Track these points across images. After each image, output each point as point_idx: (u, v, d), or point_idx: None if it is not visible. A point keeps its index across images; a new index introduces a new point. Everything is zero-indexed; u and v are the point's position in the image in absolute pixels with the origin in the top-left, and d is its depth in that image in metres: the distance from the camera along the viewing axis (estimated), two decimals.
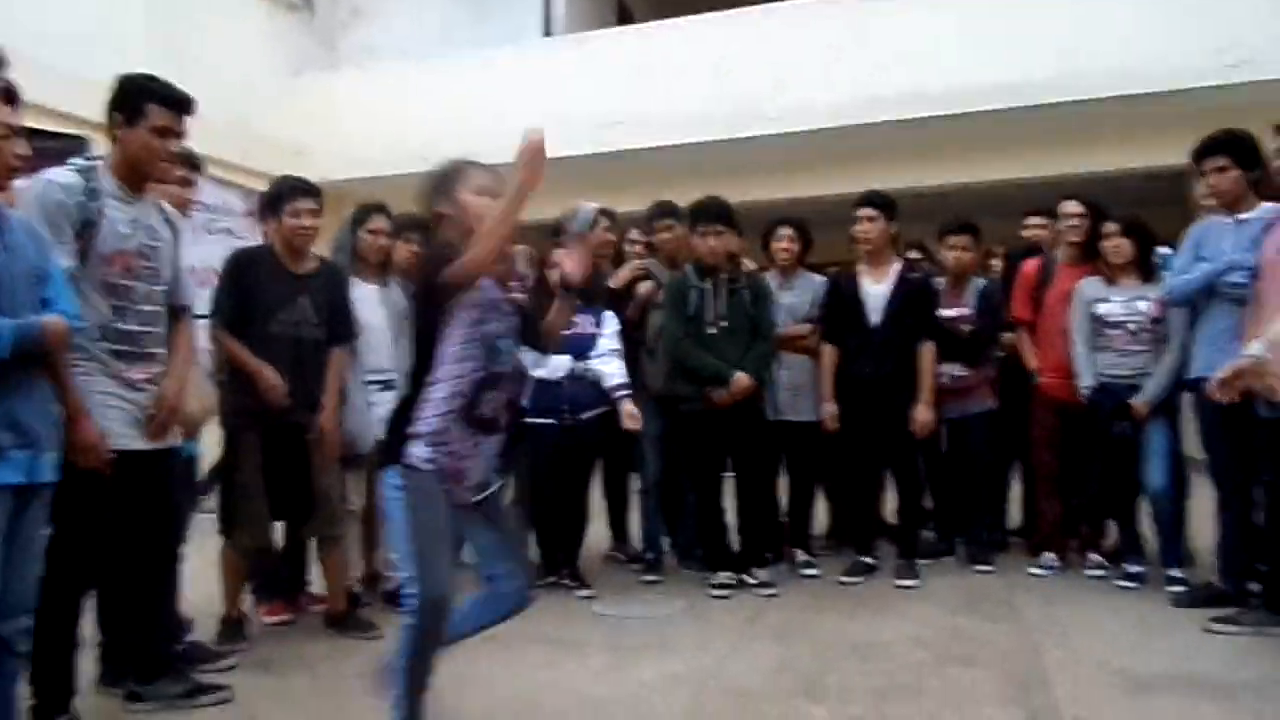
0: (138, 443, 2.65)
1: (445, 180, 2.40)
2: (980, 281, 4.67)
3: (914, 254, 5.56)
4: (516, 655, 3.32)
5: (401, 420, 2.32)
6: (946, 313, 4.52)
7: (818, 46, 7.30)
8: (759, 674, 3.10)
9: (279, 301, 3.42)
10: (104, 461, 2.49)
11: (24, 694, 2.44)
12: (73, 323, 2.33)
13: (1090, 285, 4.19)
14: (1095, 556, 4.30)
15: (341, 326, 3.58)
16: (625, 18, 10.05)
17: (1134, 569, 4.09)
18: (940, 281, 4.65)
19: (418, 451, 2.27)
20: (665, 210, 4.60)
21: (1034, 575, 4.29)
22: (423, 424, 2.28)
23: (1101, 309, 4.12)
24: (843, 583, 4.20)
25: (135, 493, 2.69)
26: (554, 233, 4.35)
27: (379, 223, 3.86)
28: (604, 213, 4.44)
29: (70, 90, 5.40)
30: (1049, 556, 4.35)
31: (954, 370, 4.48)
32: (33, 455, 2.19)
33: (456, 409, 2.29)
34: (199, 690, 2.87)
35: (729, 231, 4.14)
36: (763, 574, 4.13)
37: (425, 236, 3.96)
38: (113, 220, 2.61)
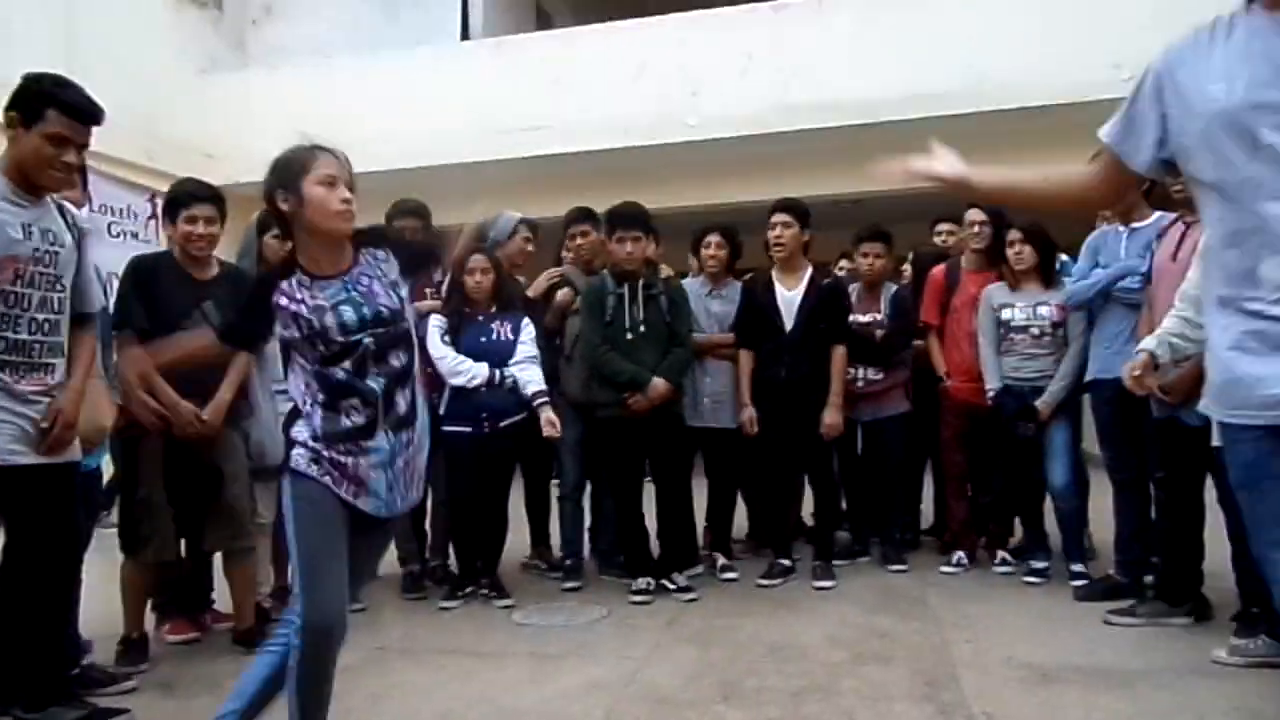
0: (28, 457, 2.53)
1: (289, 168, 2.17)
2: (893, 287, 4.79)
3: (844, 263, 5.67)
4: (434, 668, 3.27)
5: (289, 423, 2.24)
6: (860, 318, 4.63)
7: (733, 54, 7.42)
8: (678, 679, 3.10)
9: (182, 309, 3.30)
10: None
11: None
12: None
13: (996, 291, 4.33)
14: (1002, 554, 4.44)
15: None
16: (544, 22, 10.03)
17: (1039, 565, 4.24)
18: (854, 287, 4.75)
19: (299, 455, 2.16)
20: (582, 215, 4.59)
21: (945, 573, 4.41)
22: (298, 434, 2.18)
23: (1006, 314, 4.26)
24: (761, 585, 4.25)
25: (28, 509, 2.57)
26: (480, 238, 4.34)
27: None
28: (525, 222, 4.42)
29: None
30: (959, 555, 4.48)
31: (868, 374, 4.58)
32: None
33: (319, 410, 2.15)
34: (96, 715, 2.75)
35: (646, 237, 4.16)
36: (682, 579, 4.16)
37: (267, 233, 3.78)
38: (4, 224, 2.50)
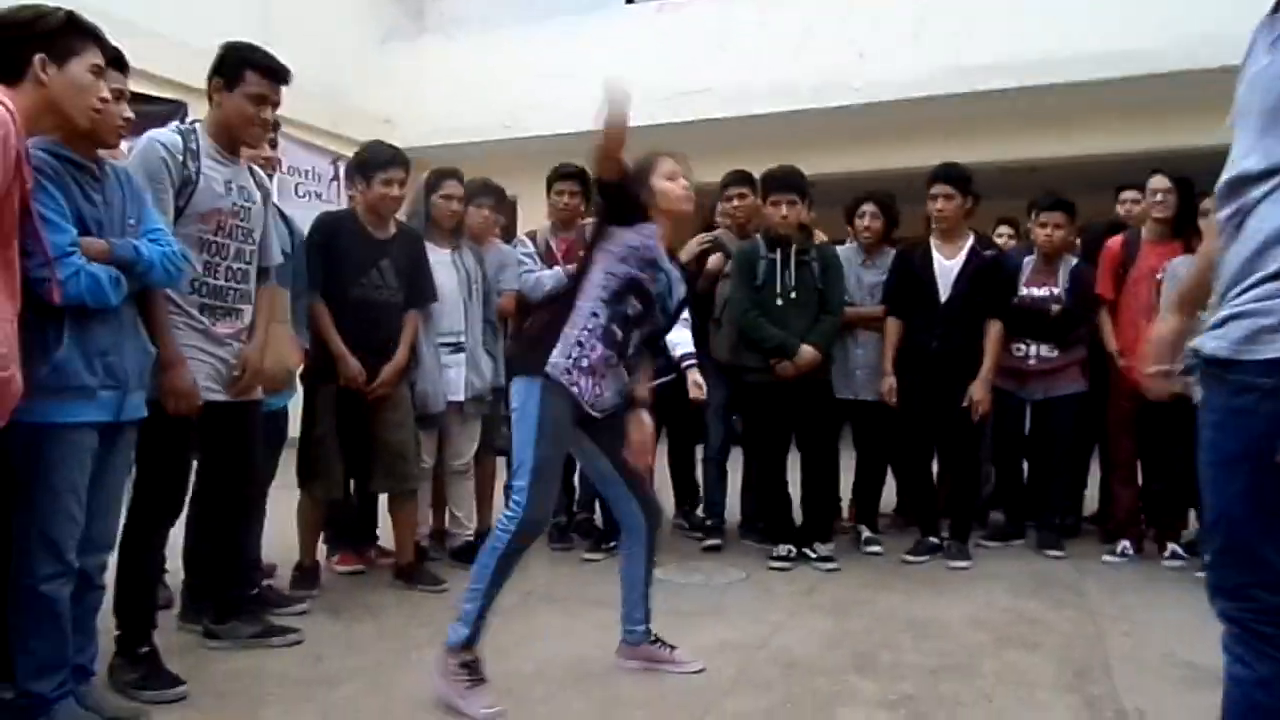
0: (220, 395, 2.76)
1: (640, 171, 2.69)
2: (1072, 260, 4.51)
3: (1005, 228, 5.40)
4: (574, 617, 3.40)
5: (543, 336, 2.58)
6: (1036, 292, 4.41)
7: (902, 16, 7.12)
8: (812, 646, 3.10)
9: (360, 266, 3.53)
10: (194, 409, 2.61)
11: (108, 625, 2.61)
12: (178, 262, 2.43)
13: (1183, 263, 4.00)
14: (1173, 546, 4.15)
15: (419, 290, 3.68)
16: None
17: None
18: (1030, 259, 4.51)
19: (558, 362, 2.53)
20: (738, 178, 4.55)
21: (1106, 563, 4.18)
22: (565, 340, 2.55)
23: None
24: (906, 561, 4.16)
25: (216, 442, 2.83)
26: None
27: (452, 188, 3.93)
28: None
29: (168, 55, 5.63)
30: (1124, 544, 4.23)
31: (1042, 351, 4.37)
32: (120, 395, 2.29)
33: (597, 326, 2.58)
34: (271, 631, 3.02)
35: (801, 201, 4.08)
36: (824, 548, 4.12)
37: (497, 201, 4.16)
38: (209, 179, 2.71)
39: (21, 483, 2.16)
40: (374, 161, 3.61)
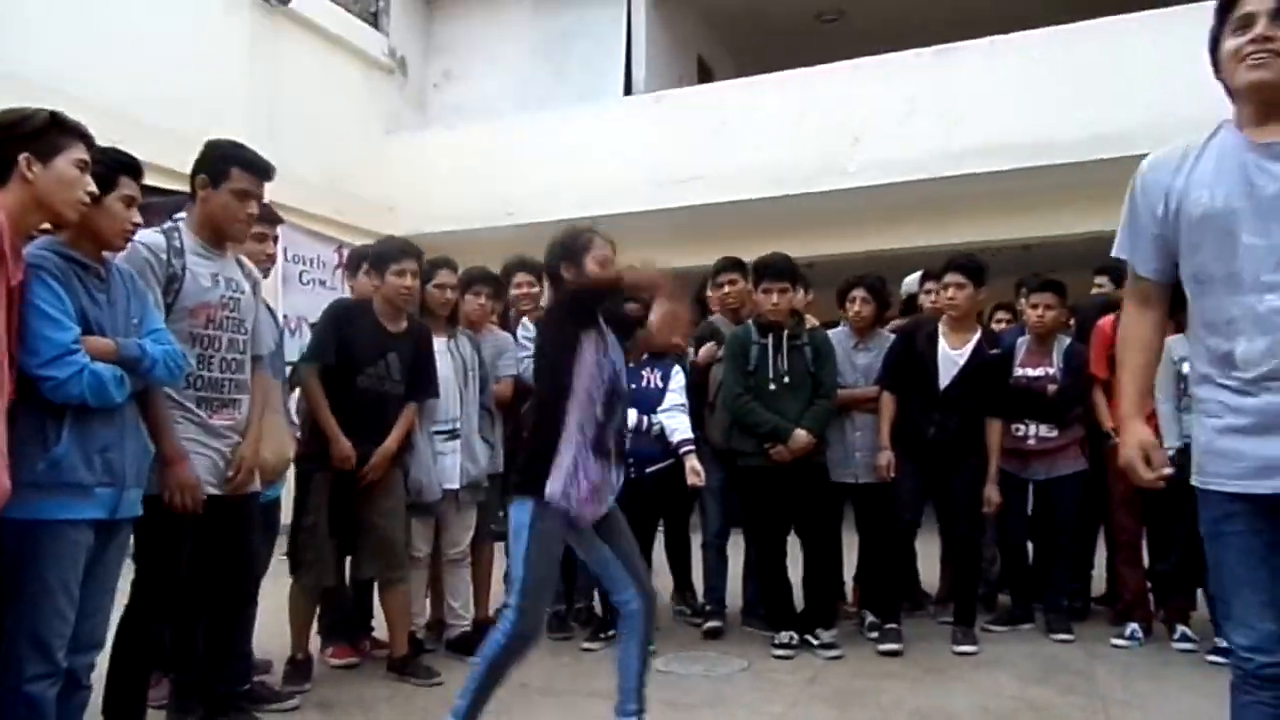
0: (218, 489, 2.76)
1: (574, 246, 2.74)
2: (1065, 340, 4.54)
3: (1002, 314, 5.43)
4: (574, 709, 3.33)
5: (539, 454, 2.58)
6: (1031, 372, 4.42)
7: (895, 100, 7.31)
8: None
9: (369, 356, 3.58)
10: (198, 504, 2.61)
11: None
12: (180, 360, 2.47)
13: (1176, 342, 4.02)
14: (1183, 629, 4.07)
15: (421, 384, 3.72)
16: (706, 76, 10.23)
17: (1225, 644, 3.85)
18: (1023, 340, 4.54)
19: (555, 487, 2.54)
20: (728, 265, 4.63)
21: (1116, 646, 4.09)
22: (560, 464, 2.55)
23: (1187, 367, 3.95)
24: (882, 652, 4.02)
25: (212, 535, 2.81)
26: None
27: (447, 277, 3.99)
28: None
29: (173, 147, 5.74)
30: (1133, 627, 4.15)
31: (1041, 431, 4.37)
32: (117, 492, 2.29)
33: (588, 439, 2.57)
34: None
35: (792, 288, 4.13)
36: (827, 635, 4.04)
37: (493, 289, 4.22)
38: (195, 275, 2.76)
39: (13, 579, 2.14)
40: (386, 254, 3.68)
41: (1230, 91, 1.86)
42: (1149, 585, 4.31)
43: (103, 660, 2.50)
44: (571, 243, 2.75)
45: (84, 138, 2.25)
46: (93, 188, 2.24)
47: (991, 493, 4.12)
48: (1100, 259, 5.14)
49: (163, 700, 3.13)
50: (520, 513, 2.58)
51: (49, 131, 2.17)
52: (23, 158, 2.12)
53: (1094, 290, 4.93)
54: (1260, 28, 1.77)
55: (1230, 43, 1.82)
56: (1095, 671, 3.76)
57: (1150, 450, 1.95)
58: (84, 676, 2.33)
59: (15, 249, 2.05)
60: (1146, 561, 4.34)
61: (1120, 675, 3.70)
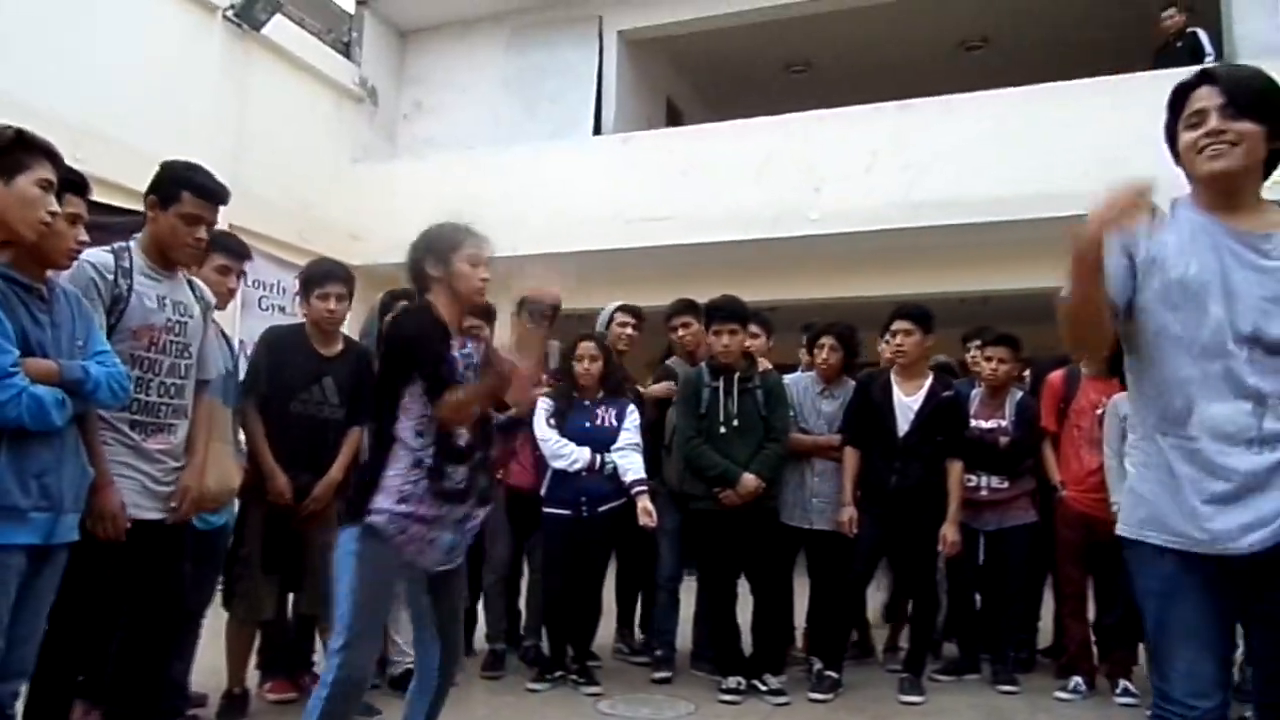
0: (149, 513, 2.69)
1: (442, 243, 2.53)
2: (1018, 393, 4.62)
3: (941, 358, 5.50)
4: None
5: (366, 479, 2.38)
6: (984, 424, 4.48)
7: (858, 151, 7.45)
8: None
9: (303, 381, 3.53)
10: (120, 530, 2.55)
11: None
12: (124, 382, 2.43)
13: (1123, 399, 4.12)
14: (1125, 683, 4.11)
15: (361, 408, 3.65)
16: (675, 119, 10.36)
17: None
18: (976, 392, 4.61)
19: (380, 515, 2.32)
20: (683, 308, 4.66)
21: (1060, 699, 4.12)
22: (386, 489, 2.34)
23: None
24: (814, 699, 3.99)
25: (143, 561, 2.73)
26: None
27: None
28: (626, 309, 4.54)
29: (138, 166, 5.69)
30: (1076, 680, 4.18)
31: (992, 482, 4.42)
32: (53, 516, 2.24)
33: (422, 478, 2.36)
34: None
35: (743, 330, 4.15)
36: (775, 681, 4.02)
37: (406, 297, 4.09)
38: (141, 296, 2.71)
39: None
40: (313, 277, 3.65)
41: (1190, 177, 1.97)
42: (1093, 638, 4.35)
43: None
44: (440, 239, 2.54)
45: (50, 156, 2.22)
46: (54, 208, 2.21)
47: (950, 532, 4.11)
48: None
49: None
50: (346, 541, 2.35)
51: (14, 149, 2.15)
52: None
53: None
54: (1212, 122, 1.89)
55: (1186, 136, 1.94)
56: None
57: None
58: (8, 704, 2.26)
59: None
60: (1092, 614, 4.40)
61: None
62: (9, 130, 2.17)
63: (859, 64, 9.82)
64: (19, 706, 2.38)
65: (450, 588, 2.57)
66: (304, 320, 3.78)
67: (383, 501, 2.34)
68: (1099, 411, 4.20)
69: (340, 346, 3.68)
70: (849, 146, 7.52)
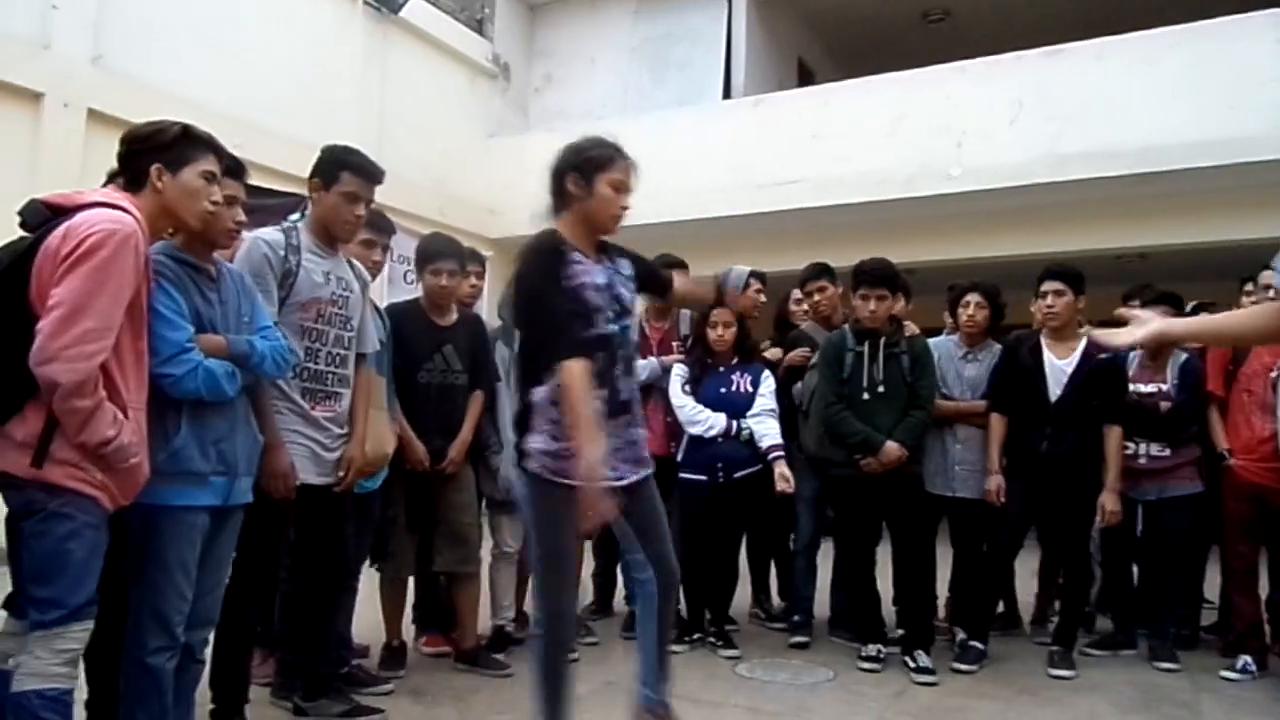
0: (316, 478, 2.89)
1: (590, 159, 2.46)
2: (1182, 355, 4.34)
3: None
4: None
5: (519, 424, 2.46)
6: (1143, 388, 4.24)
7: (1001, 104, 7.12)
8: None
9: (425, 351, 3.70)
10: (290, 489, 2.75)
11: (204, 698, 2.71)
12: (286, 355, 2.60)
13: None
14: None
15: (483, 372, 3.82)
16: (806, 79, 10.14)
17: None
18: (1137, 354, 4.36)
19: (535, 449, 2.40)
20: (817, 272, 4.58)
21: (1226, 678, 3.89)
22: (536, 434, 2.40)
23: None
24: (957, 669, 3.90)
25: (310, 523, 2.96)
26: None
27: None
28: (755, 275, 4.50)
29: (288, 151, 6.03)
30: (1245, 659, 3.94)
31: (1152, 450, 4.19)
32: (230, 480, 2.43)
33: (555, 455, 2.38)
34: (357, 711, 3.08)
35: (891, 296, 4.04)
36: (925, 659, 3.86)
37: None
38: (309, 271, 2.91)
39: (137, 560, 2.30)
40: (425, 254, 3.78)
41: None
42: (1265, 615, 4.08)
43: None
44: (586, 154, 2.46)
45: (214, 149, 2.38)
46: (218, 198, 2.37)
47: (1109, 502, 3.93)
48: (1226, 267, 4.91)
49: (269, 678, 3.30)
50: (519, 489, 2.42)
51: (179, 143, 2.31)
52: (154, 168, 2.26)
53: (1246, 299, 4.62)
54: None
55: None
56: (1201, 704, 3.59)
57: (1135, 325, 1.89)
58: (199, 651, 2.49)
59: (149, 258, 2.20)
60: (1264, 590, 4.12)
61: (1228, 709, 3.52)
62: (175, 127, 2.33)
63: (1001, 9, 9.34)
64: (208, 653, 2.61)
65: (643, 507, 2.56)
66: (419, 296, 3.91)
67: (536, 442, 2.40)
68: (1274, 375, 3.90)
69: (455, 316, 3.82)
70: (991, 98, 7.21)
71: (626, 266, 2.62)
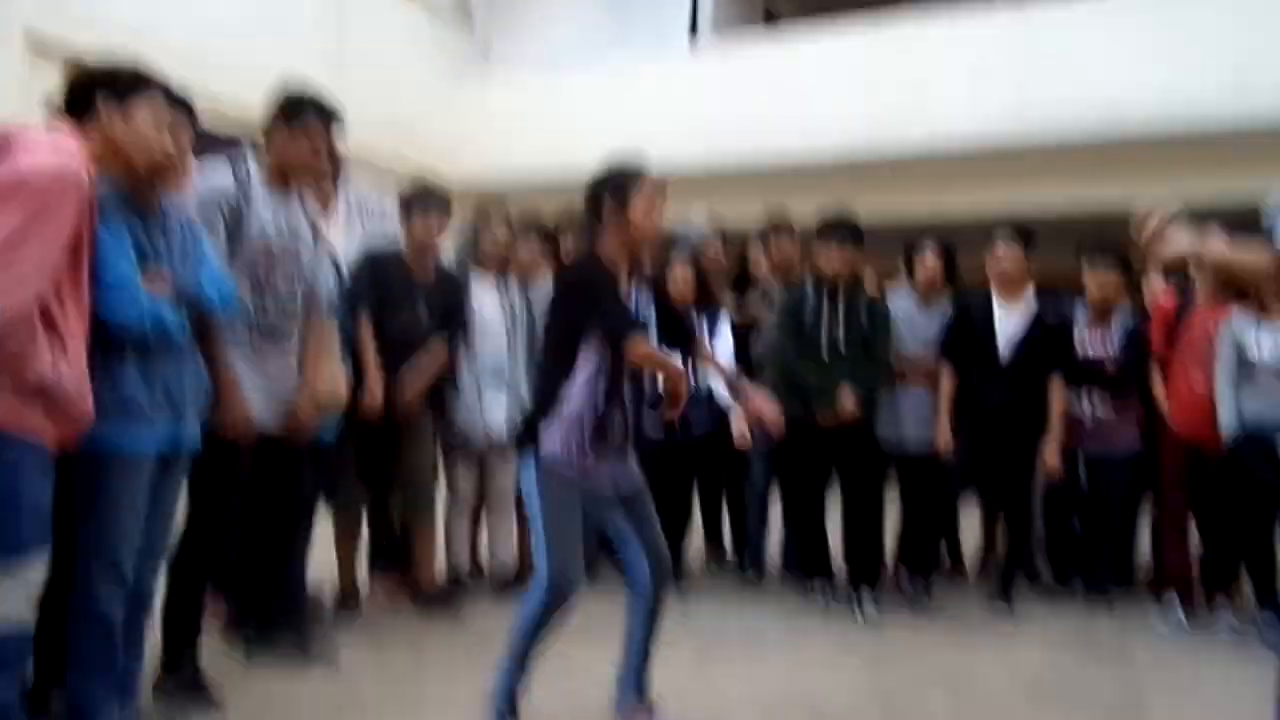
0: (268, 424, 2.86)
1: (622, 184, 2.54)
2: (1127, 314, 4.44)
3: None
4: (602, 649, 3.38)
5: (538, 411, 2.53)
6: (1091, 351, 4.34)
7: (965, 60, 7.11)
8: (842, 694, 3.08)
9: (398, 304, 3.67)
10: (250, 434, 2.73)
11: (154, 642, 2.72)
12: (230, 297, 2.56)
13: (1240, 321, 3.94)
14: (1226, 614, 4.02)
15: (450, 326, 3.79)
16: (771, 21, 10.05)
17: (1269, 631, 3.81)
18: (1083, 312, 4.44)
19: (549, 448, 2.48)
20: (778, 226, 4.59)
21: (1156, 625, 4.06)
22: (553, 428, 2.49)
23: (1252, 348, 3.86)
24: (903, 613, 4.04)
25: (262, 469, 2.94)
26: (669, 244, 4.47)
27: (499, 223, 4.04)
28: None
29: (235, 84, 5.86)
30: (1174, 606, 4.10)
31: (1097, 406, 4.30)
32: (177, 424, 2.41)
33: (585, 427, 2.50)
34: (310, 652, 3.11)
35: (855, 250, 4.07)
36: (869, 603, 3.98)
37: (577, 235, 4.23)
38: (260, 213, 2.83)
39: (85, 502, 2.28)
40: (413, 199, 3.74)
41: None
42: (1195, 566, 4.25)
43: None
44: (620, 178, 2.56)
45: (166, 91, 2.32)
46: (169, 142, 2.31)
47: (1050, 456, 4.04)
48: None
49: (222, 619, 3.31)
50: (527, 477, 2.52)
51: (133, 84, 2.25)
52: (105, 108, 2.20)
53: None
54: None
55: None
56: (1132, 648, 3.75)
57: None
58: (149, 595, 2.48)
59: (94, 197, 2.14)
60: (1195, 544, 4.28)
61: (1157, 653, 3.68)
62: (127, 66, 2.26)
63: None
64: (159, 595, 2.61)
65: (642, 505, 2.67)
66: (401, 243, 3.89)
67: (552, 442, 2.48)
68: (1213, 334, 4.01)
69: (434, 272, 3.78)
70: (956, 54, 7.18)
71: (646, 301, 2.74)
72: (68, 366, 2.06)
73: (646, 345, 2.50)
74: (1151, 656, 3.65)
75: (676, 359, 3.99)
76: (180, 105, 2.54)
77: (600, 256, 2.57)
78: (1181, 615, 4.08)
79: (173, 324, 2.33)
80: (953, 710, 2.98)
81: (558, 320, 2.60)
